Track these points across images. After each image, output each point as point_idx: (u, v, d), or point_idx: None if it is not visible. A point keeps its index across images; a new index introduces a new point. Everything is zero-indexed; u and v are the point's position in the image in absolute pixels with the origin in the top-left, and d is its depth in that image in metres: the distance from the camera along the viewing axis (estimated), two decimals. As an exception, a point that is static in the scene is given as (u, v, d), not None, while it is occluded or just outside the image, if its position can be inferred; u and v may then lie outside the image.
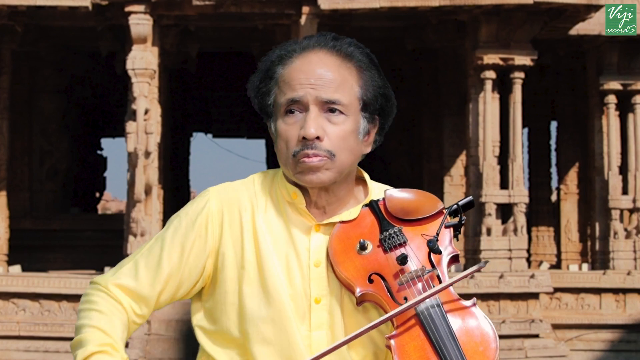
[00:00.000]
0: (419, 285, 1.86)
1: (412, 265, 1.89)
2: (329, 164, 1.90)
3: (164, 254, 1.97)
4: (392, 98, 1.99)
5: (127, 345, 10.50)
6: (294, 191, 1.98)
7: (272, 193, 2.01)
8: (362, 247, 1.91)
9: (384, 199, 1.98)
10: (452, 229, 1.94)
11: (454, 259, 1.93)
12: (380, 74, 1.97)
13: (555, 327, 12.01)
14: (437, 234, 1.90)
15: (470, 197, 1.98)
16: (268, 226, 1.97)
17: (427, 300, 1.84)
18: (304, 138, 1.88)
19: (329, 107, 1.89)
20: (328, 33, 1.98)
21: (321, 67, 1.91)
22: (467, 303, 1.87)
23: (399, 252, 1.89)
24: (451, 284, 1.86)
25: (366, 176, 2.03)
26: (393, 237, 1.91)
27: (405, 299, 1.85)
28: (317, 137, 1.88)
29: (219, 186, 2.04)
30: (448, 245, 1.92)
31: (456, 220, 1.95)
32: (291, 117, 1.91)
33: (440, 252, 1.90)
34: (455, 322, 1.84)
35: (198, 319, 2.02)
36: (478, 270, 1.94)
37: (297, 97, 1.89)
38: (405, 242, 1.91)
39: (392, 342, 1.81)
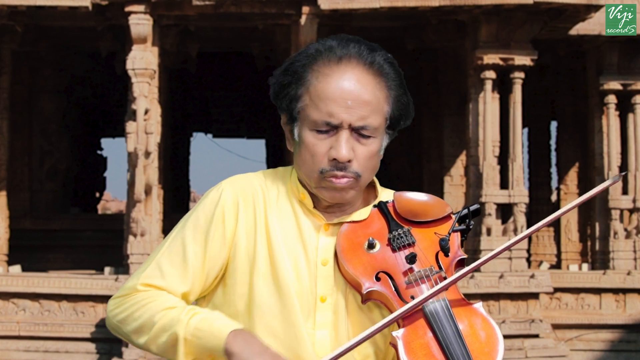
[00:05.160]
0: (426, 285, 1.87)
1: (420, 265, 1.90)
2: (354, 184, 1.93)
3: (188, 250, 1.97)
4: (411, 104, 2.00)
5: (127, 346, 10.50)
6: (303, 192, 1.99)
7: (283, 190, 2.01)
8: (371, 246, 1.92)
9: (392, 201, 2.00)
10: (459, 234, 1.96)
11: (461, 263, 1.94)
12: (403, 85, 1.97)
13: (555, 327, 12.02)
14: (449, 234, 1.91)
15: (478, 205, 2.00)
16: (279, 221, 1.98)
17: (435, 299, 1.85)
18: (334, 159, 1.89)
19: (360, 131, 1.91)
20: (362, 41, 1.96)
21: (358, 88, 1.90)
22: (474, 304, 1.88)
23: (407, 251, 1.91)
24: (459, 278, 1.87)
25: (375, 180, 2.05)
26: (402, 236, 1.92)
27: (412, 297, 1.86)
28: (348, 160, 1.90)
29: (232, 178, 2.04)
30: (457, 249, 1.94)
31: (464, 225, 1.97)
32: (322, 134, 1.91)
33: (449, 253, 1.91)
34: (461, 322, 1.84)
35: (205, 306, 2.02)
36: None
37: (334, 123, 1.89)
38: (413, 243, 1.92)
39: (399, 339, 1.82)
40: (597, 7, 11.36)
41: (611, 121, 13.12)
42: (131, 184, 11.49)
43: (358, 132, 1.90)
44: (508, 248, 1.90)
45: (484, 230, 11.70)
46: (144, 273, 1.97)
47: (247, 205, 1.99)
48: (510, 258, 11.64)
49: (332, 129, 1.89)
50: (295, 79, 1.93)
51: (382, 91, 1.92)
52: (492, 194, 11.80)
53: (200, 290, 1.99)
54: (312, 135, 1.91)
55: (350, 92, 1.89)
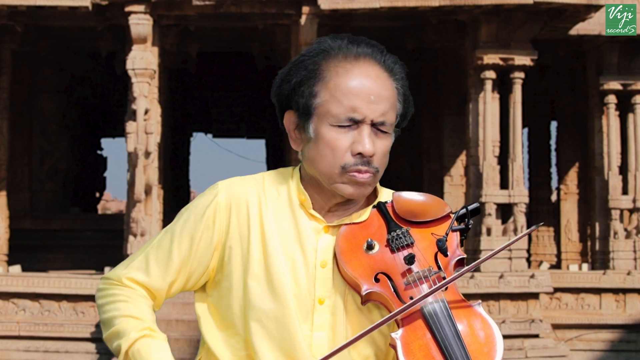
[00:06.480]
0: (425, 285, 1.87)
1: (419, 265, 1.90)
2: (373, 180, 1.94)
3: (173, 247, 2.00)
4: (412, 103, 2.02)
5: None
6: (303, 194, 1.99)
7: (283, 191, 2.01)
8: (369, 247, 1.91)
9: (391, 201, 1.99)
10: (459, 233, 1.95)
11: (460, 263, 1.94)
12: (407, 84, 2.00)
13: (555, 327, 12.02)
14: (447, 234, 1.91)
15: (477, 204, 2.00)
16: (276, 223, 1.98)
17: (433, 300, 1.85)
18: (359, 154, 1.90)
19: (379, 127, 1.92)
20: (370, 41, 1.98)
21: (379, 84, 1.92)
22: (473, 304, 1.88)
23: (406, 252, 1.90)
24: (457, 277, 1.87)
25: None
26: (400, 237, 1.92)
27: (411, 298, 1.85)
28: (371, 155, 1.91)
29: (228, 180, 2.05)
30: (455, 248, 1.94)
31: (463, 224, 1.96)
32: (342, 128, 1.91)
33: (447, 253, 1.91)
34: (460, 322, 1.84)
35: (201, 309, 2.04)
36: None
37: (357, 118, 1.90)
38: (412, 243, 1.92)
39: (397, 340, 1.82)
40: (597, 7, 11.36)
41: (611, 121, 13.12)
42: (131, 184, 11.50)
43: (377, 127, 1.91)
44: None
45: (484, 230, 11.70)
46: (133, 263, 2.02)
47: (240, 209, 1.99)
48: (510, 258, 11.64)
49: (354, 124, 1.90)
50: (311, 75, 1.93)
51: (394, 89, 1.95)
52: (492, 194, 11.80)
53: (181, 289, 2.03)
54: (333, 130, 1.91)
55: (372, 88, 1.90)
